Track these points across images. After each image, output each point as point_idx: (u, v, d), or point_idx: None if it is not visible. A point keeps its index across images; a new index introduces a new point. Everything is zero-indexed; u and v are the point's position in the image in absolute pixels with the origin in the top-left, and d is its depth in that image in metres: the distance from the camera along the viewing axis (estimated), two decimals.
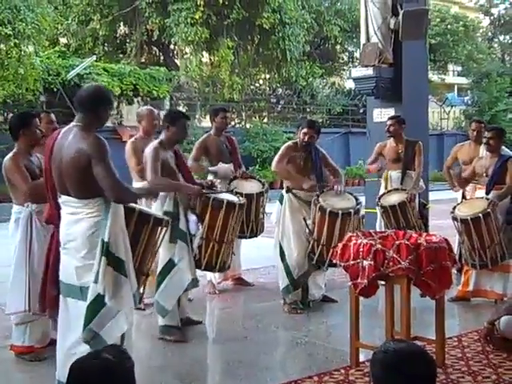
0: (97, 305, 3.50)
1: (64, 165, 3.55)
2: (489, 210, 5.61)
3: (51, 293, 3.88)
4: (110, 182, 3.49)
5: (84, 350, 3.44)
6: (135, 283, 3.69)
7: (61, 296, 3.69)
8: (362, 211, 7.58)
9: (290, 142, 6.09)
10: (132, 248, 3.71)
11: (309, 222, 5.69)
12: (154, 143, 5.04)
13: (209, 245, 5.13)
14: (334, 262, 5.49)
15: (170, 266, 4.90)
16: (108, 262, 3.49)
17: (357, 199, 5.79)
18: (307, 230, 5.68)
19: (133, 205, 3.85)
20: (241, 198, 5.45)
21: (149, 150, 4.97)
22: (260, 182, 6.59)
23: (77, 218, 3.57)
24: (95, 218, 3.53)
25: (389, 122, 7.01)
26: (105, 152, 3.50)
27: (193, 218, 4.98)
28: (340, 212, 5.50)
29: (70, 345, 3.60)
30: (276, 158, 5.94)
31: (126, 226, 3.69)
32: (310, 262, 5.79)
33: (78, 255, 3.56)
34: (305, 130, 5.84)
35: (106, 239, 3.48)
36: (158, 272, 4.95)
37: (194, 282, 5.07)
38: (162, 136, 5.09)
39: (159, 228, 3.97)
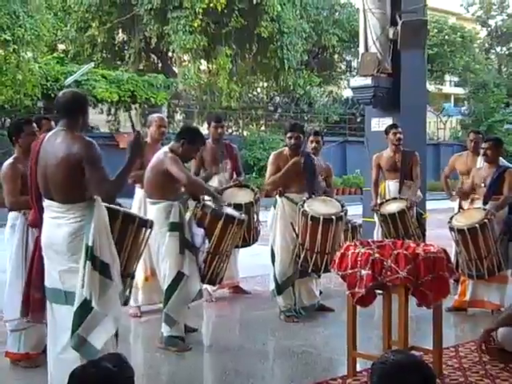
0: (84, 310, 3.51)
1: (49, 168, 3.57)
2: (486, 220, 5.61)
3: (35, 296, 3.92)
4: (102, 183, 3.52)
5: (73, 355, 3.50)
6: (120, 285, 3.72)
7: (47, 302, 3.72)
8: (360, 220, 7.65)
9: (275, 152, 6.08)
10: (117, 250, 3.74)
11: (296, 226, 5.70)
12: (168, 153, 4.93)
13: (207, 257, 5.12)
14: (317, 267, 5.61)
15: (179, 278, 4.85)
16: (93, 266, 3.51)
17: (343, 206, 5.77)
18: (294, 234, 5.69)
19: (117, 207, 3.89)
20: (243, 214, 5.43)
21: (167, 159, 4.87)
22: (253, 190, 6.57)
23: (59, 223, 3.58)
24: (78, 223, 3.55)
25: (396, 131, 6.98)
26: (97, 153, 3.55)
27: (200, 231, 4.96)
28: (321, 217, 5.49)
29: (60, 349, 3.62)
30: (268, 175, 5.93)
31: (111, 228, 3.71)
32: (294, 268, 5.79)
33: (61, 259, 3.58)
34: (289, 134, 5.86)
35: (90, 243, 3.50)
36: (166, 284, 4.90)
37: (201, 294, 5.07)
38: (173, 146, 5.01)
39: (144, 229, 4.00)
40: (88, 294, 3.49)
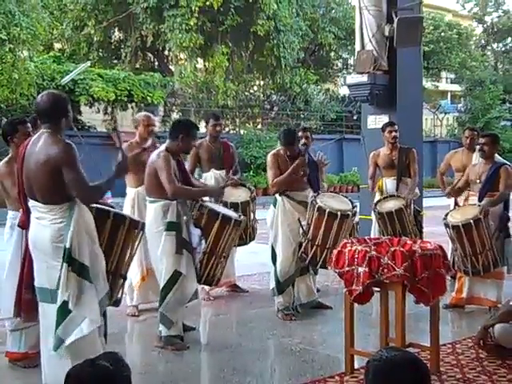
0: (63, 311, 3.57)
1: (33, 170, 3.63)
2: (480, 216, 5.62)
3: (26, 296, 4.00)
4: (80, 185, 3.58)
5: (64, 352, 3.57)
6: (104, 287, 3.74)
7: (38, 301, 3.78)
8: (357, 218, 7.65)
9: (272, 152, 6.05)
10: (108, 251, 3.78)
11: (303, 222, 5.69)
12: (162, 152, 4.90)
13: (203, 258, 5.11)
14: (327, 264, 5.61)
15: (175, 277, 4.83)
16: (71, 268, 3.55)
17: (352, 202, 5.82)
18: (301, 231, 5.69)
19: (107, 208, 3.90)
20: (242, 216, 5.40)
21: (159, 160, 4.83)
22: (249, 189, 6.55)
23: (43, 224, 3.65)
24: (59, 225, 3.60)
25: (392, 129, 6.98)
26: (75, 157, 3.59)
27: (197, 231, 4.95)
28: (339, 213, 5.53)
29: (51, 347, 3.66)
30: (271, 177, 5.88)
31: (102, 230, 3.74)
32: (296, 267, 5.79)
33: (47, 258, 3.65)
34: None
35: (67, 246, 3.55)
36: (162, 283, 4.88)
37: (196, 294, 5.07)
38: (170, 144, 4.97)
39: (136, 231, 4.01)
40: (66, 296, 3.54)
